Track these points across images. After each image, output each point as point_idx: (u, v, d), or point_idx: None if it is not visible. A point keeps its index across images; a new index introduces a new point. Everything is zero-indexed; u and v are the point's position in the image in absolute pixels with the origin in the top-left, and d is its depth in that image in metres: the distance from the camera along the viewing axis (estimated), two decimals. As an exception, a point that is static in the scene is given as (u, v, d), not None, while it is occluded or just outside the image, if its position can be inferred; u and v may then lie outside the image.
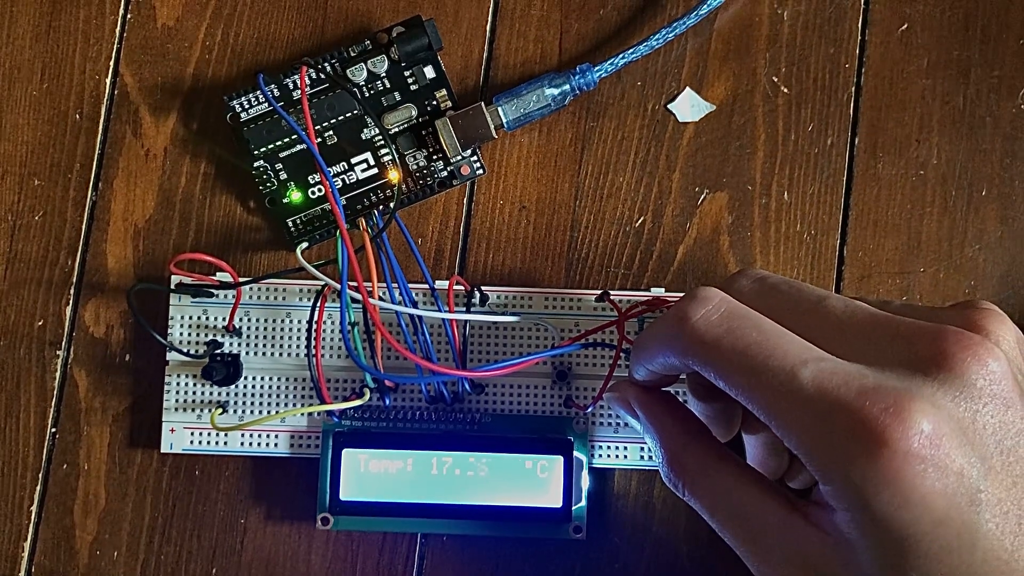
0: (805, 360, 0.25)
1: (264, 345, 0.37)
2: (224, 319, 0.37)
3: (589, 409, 0.36)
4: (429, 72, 0.38)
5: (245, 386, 0.37)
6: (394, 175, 0.37)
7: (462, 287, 0.37)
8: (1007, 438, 0.24)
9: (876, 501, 0.23)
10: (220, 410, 0.36)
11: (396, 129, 0.38)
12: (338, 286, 0.33)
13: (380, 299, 0.33)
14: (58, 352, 0.38)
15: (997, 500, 0.23)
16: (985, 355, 0.24)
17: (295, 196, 0.37)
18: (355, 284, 0.32)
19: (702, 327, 0.27)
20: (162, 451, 0.37)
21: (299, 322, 0.37)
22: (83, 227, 0.38)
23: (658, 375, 0.30)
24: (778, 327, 0.26)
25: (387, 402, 0.36)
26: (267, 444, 0.37)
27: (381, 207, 0.38)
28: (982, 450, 0.23)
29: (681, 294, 0.37)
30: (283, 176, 0.38)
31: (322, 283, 0.34)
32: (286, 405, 0.37)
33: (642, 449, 0.37)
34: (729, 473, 0.28)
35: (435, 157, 0.38)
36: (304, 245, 0.37)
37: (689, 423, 0.30)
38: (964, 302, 0.27)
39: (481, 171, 0.38)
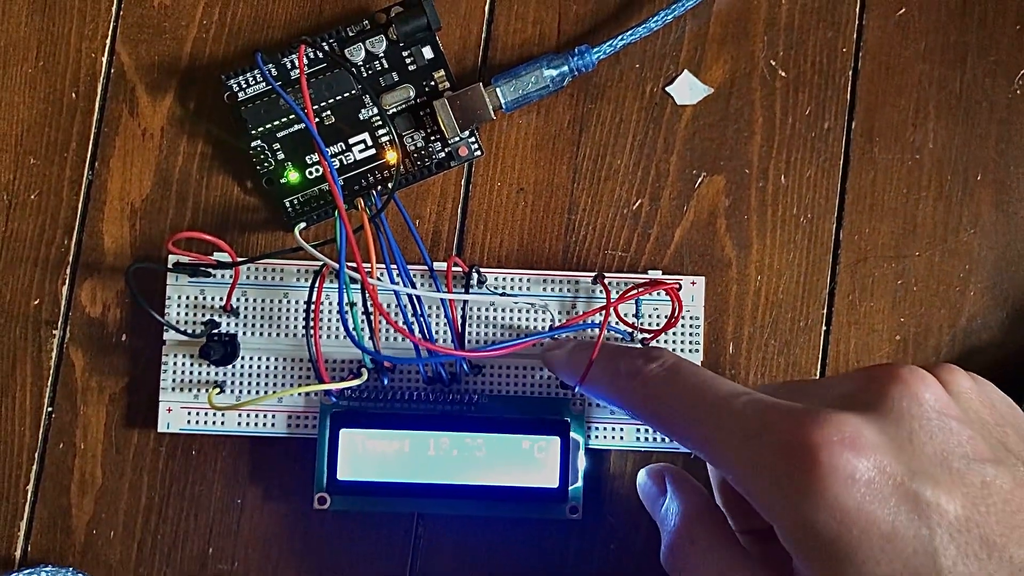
0: (739, 393, 0.27)
1: (262, 325, 0.37)
2: (222, 299, 0.37)
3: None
4: (427, 52, 0.38)
5: (242, 366, 0.37)
6: (392, 156, 0.37)
7: (460, 268, 0.37)
8: (953, 460, 0.23)
9: (815, 521, 0.23)
10: (217, 390, 0.36)
11: (394, 109, 0.38)
12: (336, 266, 0.33)
13: (378, 279, 0.33)
14: (54, 332, 0.38)
15: (950, 521, 0.22)
16: (916, 383, 0.25)
17: (293, 176, 0.37)
18: (354, 264, 0.32)
19: (653, 377, 0.29)
20: (159, 431, 0.37)
21: (297, 302, 0.37)
22: (79, 206, 0.38)
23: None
24: (715, 375, 0.28)
25: (385, 382, 0.36)
26: (264, 424, 0.37)
27: (379, 188, 0.38)
28: (922, 464, 0.23)
29: (679, 276, 0.37)
30: (281, 156, 0.38)
31: (321, 263, 0.34)
32: (283, 385, 0.37)
33: (638, 430, 0.37)
34: (731, 556, 0.28)
35: (433, 138, 0.38)
36: (302, 225, 0.37)
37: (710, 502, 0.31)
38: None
39: (479, 152, 0.38)
